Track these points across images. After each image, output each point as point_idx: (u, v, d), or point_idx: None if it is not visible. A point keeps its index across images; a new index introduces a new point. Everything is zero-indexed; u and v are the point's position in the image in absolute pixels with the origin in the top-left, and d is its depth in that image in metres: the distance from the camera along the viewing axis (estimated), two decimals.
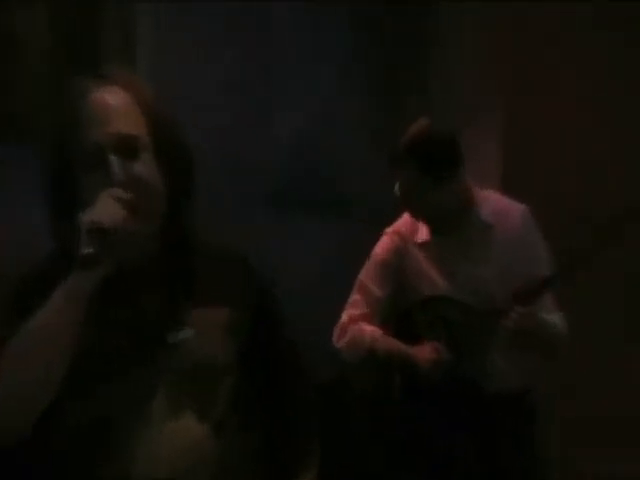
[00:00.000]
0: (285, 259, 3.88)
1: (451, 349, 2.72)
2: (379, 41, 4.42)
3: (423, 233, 2.88)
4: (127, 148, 1.61)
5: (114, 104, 1.64)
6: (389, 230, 2.96)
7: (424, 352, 2.72)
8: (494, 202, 2.88)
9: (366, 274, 2.92)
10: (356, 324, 2.85)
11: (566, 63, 4.09)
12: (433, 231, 2.85)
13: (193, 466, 1.63)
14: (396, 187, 2.84)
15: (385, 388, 2.84)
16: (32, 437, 1.54)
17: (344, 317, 2.90)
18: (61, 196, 1.65)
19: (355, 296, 2.92)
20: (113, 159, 1.59)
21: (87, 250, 1.48)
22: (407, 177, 2.76)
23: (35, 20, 3.75)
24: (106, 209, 1.53)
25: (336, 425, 2.81)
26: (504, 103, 4.11)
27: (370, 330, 2.84)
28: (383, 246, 2.92)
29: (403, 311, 2.86)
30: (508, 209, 2.87)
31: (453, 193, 2.76)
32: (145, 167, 1.62)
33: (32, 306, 1.53)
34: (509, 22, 4.06)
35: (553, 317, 2.77)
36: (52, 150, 1.67)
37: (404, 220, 2.95)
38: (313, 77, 4.30)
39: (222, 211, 3.81)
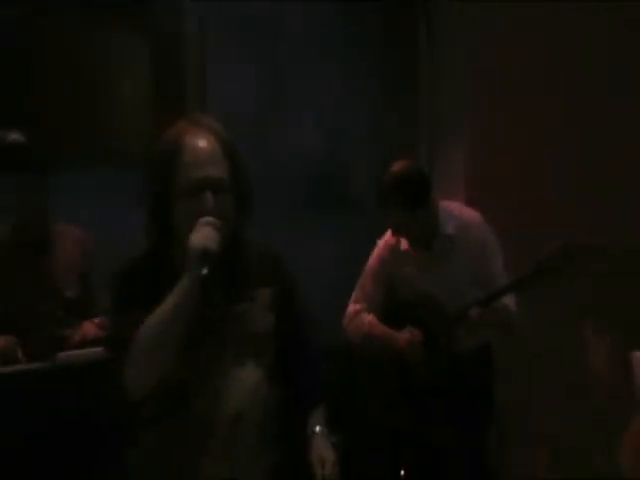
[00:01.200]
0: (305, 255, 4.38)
1: (425, 336, 3.55)
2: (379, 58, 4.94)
3: (404, 243, 3.65)
4: (216, 187, 2.16)
5: (209, 150, 2.17)
6: (380, 241, 3.75)
7: (404, 335, 3.56)
8: (455, 214, 3.61)
9: (364, 277, 3.75)
10: (358, 314, 3.71)
11: (536, 79, 4.52)
12: (411, 244, 3.61)
13: (253, 403, 2.23)
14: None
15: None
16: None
17: (350, 308, 3.74)
18: (157, 211, 2.19)
19: (357, 293, 3.76)
20: (208, 195, 2.14)
21: (204, 270, 2.06)
22: (390, 208, 3.47)
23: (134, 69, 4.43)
24: (208, 235, 2.09)
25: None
26: (473, 118, 4.60)
27: (368, 319, 3.69)
28: (376, 255, 3.74)
29: (392, 305, 3.72)
30: (467, 219, 3.61)
31: (425, 216, 3.50)
32: (226, 200, 2.18)
33: (137, 289, 2.17)
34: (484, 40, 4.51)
35: (505, 299, 3.47)
36: (155, 177, 2.19)
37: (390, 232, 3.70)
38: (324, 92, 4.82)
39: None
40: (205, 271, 2.07)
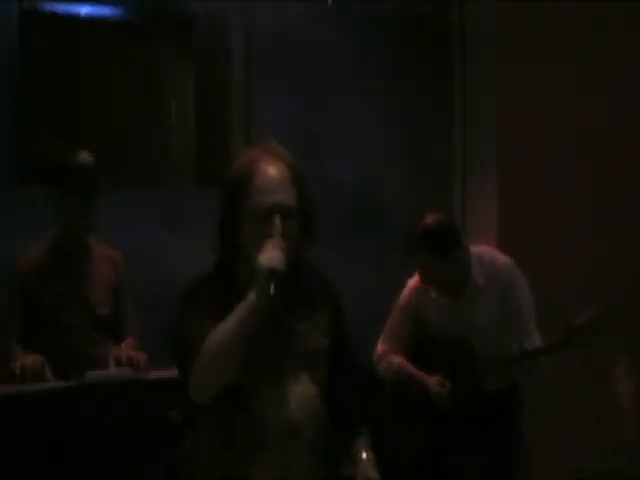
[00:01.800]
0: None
1: (451, 379, 3.59)
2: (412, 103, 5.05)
3: (433, 291, 3.68)
4: (285, 212, 2.29)
5: (279, 178, 2.31)
6: (410, 282, 3.76)
7: (433, 383, 3.60)
8: (487, 262, 3.63)
9: (393, 316, 3.79)
10: (387, 355, 3.76)
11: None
12: (440, 293, 3.64)
13: (306, 418, 2.32)
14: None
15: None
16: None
17: (378, 348, 3.79)
18: (227, 230, 2.34)
19: (385, 332, 3.80)
20: (277, 219, 2.27)
21: (272, 290, 2.18)
22: (421, 259, 3.53)
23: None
24: (275, 256, 2.22)
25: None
26: (507, 156, 4.70)
27: (397, 360, 3.73)
28: (405, 295, 3.76)
29: (421, 344, 3.75)
30: (498, 266, 3.62)
31: (454, 266, 3.53)
32: (293, 225, 2.31)
33: (203, 303, 2.30)
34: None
35: (534, 339, 3.52)
36: (228, 199, 2.33)
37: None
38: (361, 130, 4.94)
39: None
40: (272, 290, 2.19)
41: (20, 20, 4.08)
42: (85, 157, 3.62)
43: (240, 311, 2.22)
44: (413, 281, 3.75)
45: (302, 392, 2.34)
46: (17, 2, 4.07)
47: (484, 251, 3.69)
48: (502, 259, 3.66)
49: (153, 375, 3.24)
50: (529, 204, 4.55)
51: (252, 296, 2.21)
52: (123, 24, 4.32)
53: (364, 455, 2.40)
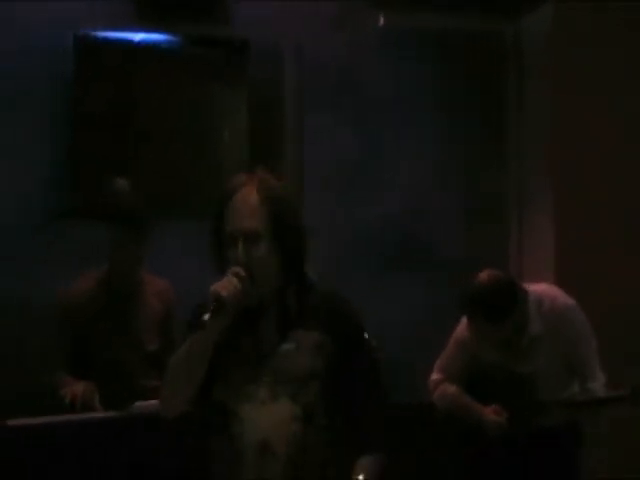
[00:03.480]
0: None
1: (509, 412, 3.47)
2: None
3: None
4: (249, 237, 2.31)
5: (246, 202, 2.32)
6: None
7: (489, 412, 3.48)
8: (545, 303, 3.48)
9: (448, 348, 3.68)
10: (442, 384, 3.66)
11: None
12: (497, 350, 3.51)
13: (280, 436, 2.32)
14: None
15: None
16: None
17: (434, 376, 3.69)
18: (218, 257, 2.37)
19: (441, 361, 3.69)
20: (239, 245, 2.30)
21: (205, 316, 2.21)
22: (475, 323, 3.42)
23: None
24: (226, 283, 2.24)
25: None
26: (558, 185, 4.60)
27: (452, 390, 3.62)
28: (461, 329, 3.62)
29: (475, 379, 3.62)
30: (557, 307, 3.48)
31: (512, 325, 3.38)
32: (261, 250, 2.32)
33: (192, 329, 2.32)
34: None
35: (598, 381, 3.42)
36: (211, 229, 2.39)
37: None
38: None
39: (339, 269, 4.42)
40: (206, 317, 2.20)
41: (75, 48, 4.10)
42: (121, 184, 3.61)
43: (189, 340, 2.30)
44: None
45: (279, 412, 2.34)
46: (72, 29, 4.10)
47: (544, 292, 3.55)
48: (562, 300, 3.51)
49: None
50: (588, 235, 4.44)
51: (200, 329, 2.25)
52: (177, 51, 4.33)
53: (360, 477, 2.36)
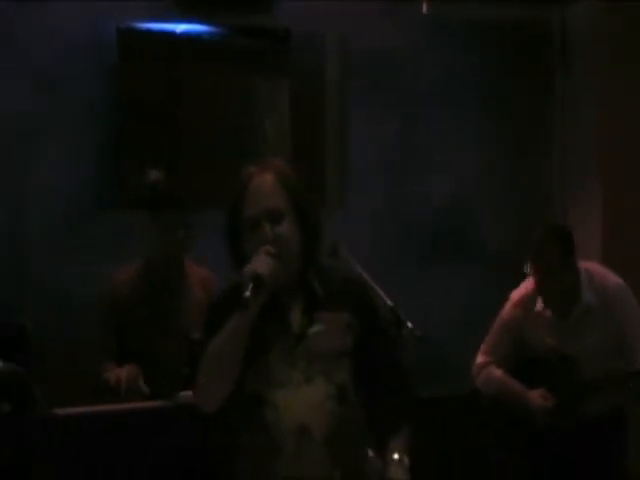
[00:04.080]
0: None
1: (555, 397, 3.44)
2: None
3: (540, 304, 3.53)
4: (272, 216, 2.32)
5: (265, 185, 2.35)
6: (514, 296, 3.63)
7: (535, 396, 3.45)
8: (597, 281, 3.49)
9: (495, 329, 3.65)
10: (488, 367, 3.62)
11: None
12: (549, 307, 3.50)
13: (318, 418, 2.33)
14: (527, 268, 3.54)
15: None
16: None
17: (478, 360, 3.65)
18: (236, 246, 2.37)
19: (486, 345, 3.66)
20: (265, 226, 2.31)
21: (247, 293, 2.20)
22: (535, 268, 3.43)
23: None
24: (262, 262, 2.25)
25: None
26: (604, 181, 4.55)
27: (498, 373, 3.59)
28: (509, 309, 3.62)
29: (522, 360, 3.60)
30: (609, 287, 3.48)
31: (568, 280, 3.42)
32: (285, 228, 2.33)
33: (222, 317, 2.31)
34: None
35: None
36: (228, 217, 2.39)
37: (526, 285, 3.61)
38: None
39: (383, 259, 4.40)
40: (248, 293, 2.19)
41: (119, 38, 4.12)
42: (155, 175, 3.61)
43: (229, 323, 2.27)
44: (518, 294, 3.62)
45: (314, 394, 2.34)
46: (116, 21, 4.11)
47: (595, 269, 3.55)
48: (613, 279, 3.51)
49: None
50: (635, 220, 4.37)
51: (240, 309, 2.24)
52: (219, 41, 4.33)
53: (395, 456, 2.39)
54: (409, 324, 3.23)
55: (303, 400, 2.34)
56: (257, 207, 2.32)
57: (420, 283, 4.66)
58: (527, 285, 3.61)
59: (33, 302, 3.98)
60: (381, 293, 3.33)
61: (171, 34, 4.24)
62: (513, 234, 4.86)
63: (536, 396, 3.45)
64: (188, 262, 3.61)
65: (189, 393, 3.06)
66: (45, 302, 4.01)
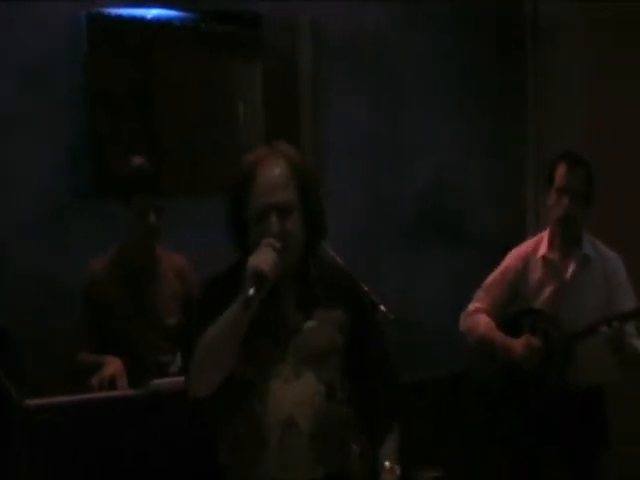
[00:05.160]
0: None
1: (546, 352, 3.49)
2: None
3: (543, 248, 3.60)
4: (282, 210, 2.29)
5: (277, 176, 2.31)
6: (514, 250, 3.70)
7: (520, 343, 3.49)
8: (597, 244, 3.60)
9: (492, 279, 3.70)
10: (477, 314, 3.65)
11: None
12: (556, 247, 3.57)
13: (305, 413, 2.33)
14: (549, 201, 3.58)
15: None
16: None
17: (470, 306, 3.69)
18: (239, 232, 2.36)
19: (481, 293, 3.71)
20: (273, 219, 2.27)
21: (251, 291, 2.18)
22: (570, 191, 3.47)
23: None
24: (265, 256, 2.22)
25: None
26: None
27: (485, 321, 3.63)
28: (508, 262, 3.68)
29: (513, 312, 3.65)
30: (605, 251, 3.60)
31: (587, 214, 3.51)
32: (293, 223, 2.31)
33: (215, 301, 2.31)
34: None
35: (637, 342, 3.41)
36: (232, 204, 2.37)
37: (528, 242, 3.71)
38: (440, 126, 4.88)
39: (364, 243, 4.40)
40: (252, 292, 2.17)
41: (88, 25, 4.07)
42: (139, 162, 3.59)
43: (228, 312, 2.25)
44: (522, 248, 3.69)
45: (303, 389, 2.34)
46: (84, 7, 4.07)
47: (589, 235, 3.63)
48: (608, 249, 3.61)
49: None
50: (610, 205, 4.38)
51: (242, 296, 2.21)
52: (190, 26, 4.29)
53: (387, 464, 2.40)
54: (382, 307, 3.24)
55: (292, 394, 2.33)
56: (267, 198, 2.28)
57: (401, 267, 4.67)
58: (529, 242, 3.69)
59: (11, 292, 3.95)
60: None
61: (142, 20, 4.20)
62: (495, 217, 4.89)
63: (521, 342, 3.48)
64: (162, 248, 3.60)
65: (162, 381, 3.07)
66: (24, 291, 3.98)
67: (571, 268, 3.55)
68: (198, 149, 4.38)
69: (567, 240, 3.56)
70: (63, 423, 2.87)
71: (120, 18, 4.14)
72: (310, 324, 2.36)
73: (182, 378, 3.08)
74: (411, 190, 4.81)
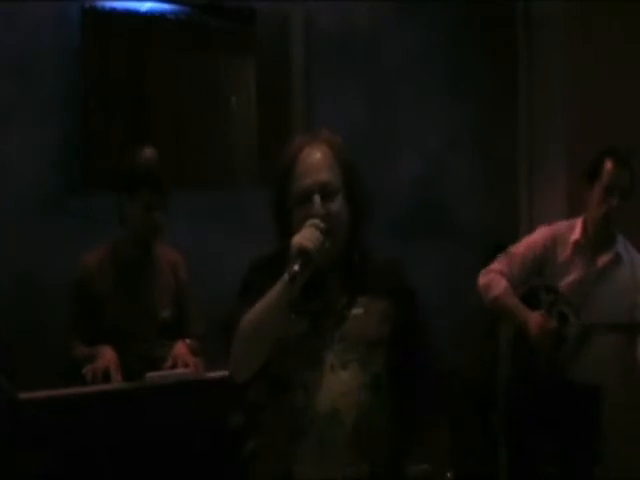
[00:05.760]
0: None
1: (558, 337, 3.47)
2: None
3: (577, 233, 3.57)
4: (324, 190, 2.27)
5: (319, 158, 2.30)
6: (544, 227, 3.67)
7: (536, 317, 3.45)
8: (628, 243, 3.62)
9: (518, 247, 3.66)
10: (497, 275, 3.58)
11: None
12: (590, 237, 3.55)
13: (349, 405, 2.25)
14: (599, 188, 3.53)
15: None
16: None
17: (494, 265, 3.63)
18: (282, 217, 2.33)
19: (505, 257, 3.64)
20: (316, 198, 2.26)
21: (296, 267, 2.14)
22: (607, 162, 3.46)
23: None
24: (310, 235, 2.19)
25: None
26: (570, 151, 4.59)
27: (504, 285, 3.56)
28: (538, 237, 3.64)
29: (535, 286, 3.60)
30: (635, 255, 3.60)
31: (627, 210, 3.49)
32: (337, 205, 2.28)
33: (260, 283, 2.27)
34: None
35: None
36: (276, 189, 2.33)
37: (560, 223, 3.68)
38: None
39: None
40: (297, 267, 2.13)
41: (81, 19, 4.06)
42: (150, 154, 3.56)
43: (271, 292, 2.21)
44: (555, 227, 3.65)
45: (347, 380, 2.27)
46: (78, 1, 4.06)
47: None
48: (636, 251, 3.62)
49: (212, 376, 3.17)
50: None
51: (285, 276, 2.17)
52: (184, 20, 4.29)
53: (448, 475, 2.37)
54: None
55: (337, 385, 2.25)
56: (311, 179, 2.26)
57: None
58: (561, 224, 3.66)
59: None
60: None
61: (135, 13, 4.19)
62: (487, 214, 4.90)
63: (537, 317, 3.45)
64: (158, 243, 3.57)
65: (157, 374, 3.08)
66: (12, 286, 3.97)
67: (602, 261, 3.53)
68: (190, 143, 4.37)
69: (603, 236, 3.55)
70: (55, 417, 2.87)
71: (114, 11, 4.12)
72: (356, 311, 2.31)
73: (175, 371, 3.17)
74: (401, 186, 4.80)
